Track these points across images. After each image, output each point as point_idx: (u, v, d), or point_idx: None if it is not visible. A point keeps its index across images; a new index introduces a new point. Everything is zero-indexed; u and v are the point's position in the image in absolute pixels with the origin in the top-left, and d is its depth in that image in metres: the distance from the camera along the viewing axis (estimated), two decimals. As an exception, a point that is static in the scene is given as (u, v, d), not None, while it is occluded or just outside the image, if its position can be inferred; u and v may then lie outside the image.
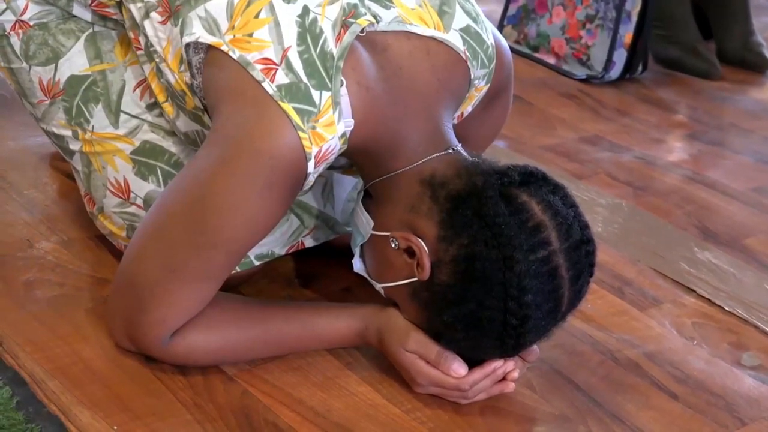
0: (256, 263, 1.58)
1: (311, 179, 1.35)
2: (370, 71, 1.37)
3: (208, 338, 1.41)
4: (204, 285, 1.38)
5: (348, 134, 1.35)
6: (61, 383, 1.39)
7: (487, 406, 1.43)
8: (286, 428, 1.36)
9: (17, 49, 1.59)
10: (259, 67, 1.32)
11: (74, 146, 1.60)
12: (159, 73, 1.46)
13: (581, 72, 2.82)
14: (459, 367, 1.38)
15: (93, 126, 1.58)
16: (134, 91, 1.56)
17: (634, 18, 2.76)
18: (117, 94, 1.57)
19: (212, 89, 1.37)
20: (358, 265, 1.47)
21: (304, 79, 1.32)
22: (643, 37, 2.78)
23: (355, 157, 1.44)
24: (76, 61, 1.58)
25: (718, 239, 1.98)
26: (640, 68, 2.83)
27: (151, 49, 1.45)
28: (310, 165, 1.32)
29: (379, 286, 1.44)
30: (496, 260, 1.29)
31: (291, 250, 1.63)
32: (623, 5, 2.74)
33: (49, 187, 1.90)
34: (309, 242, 1.64)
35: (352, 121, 1.35)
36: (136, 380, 1.41)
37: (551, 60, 2.90)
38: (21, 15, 1.58)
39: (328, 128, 1.32)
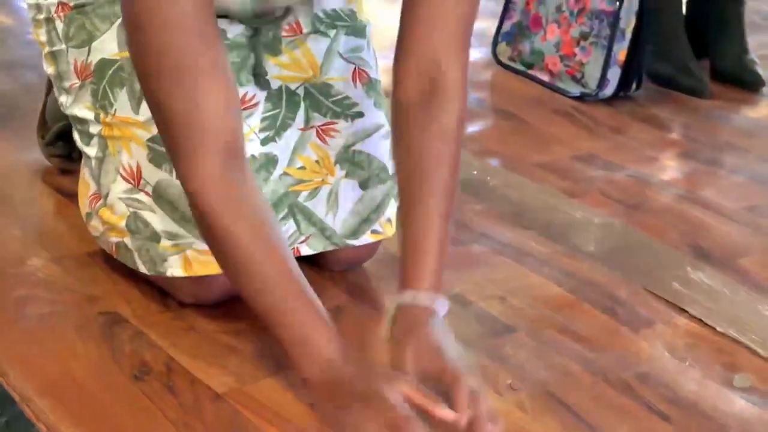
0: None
1: None
2: None
3: (236, 223, 1.33)
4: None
5: None
6: (50, 401, 1.39)
7: (478, 427, 1.43)
8: (276, 448, 1.36)
9: (60, 31, 1.62)
10: None
11: (94, 129, 1.61)
12: None
13: (575, 89, 2.82)
14: None
15: (115, 110, 1.58)
16: None
17: (629, 35, 2.77)
18: None
19: None
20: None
21: None
22: (638, 55, 2.78)
23: None
24: (107, 45, 1.59)
25: (711, 259, 1.98)
26: (634, 86, 2.83)
27: None
28: None
29: None
30: None
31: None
32: (617, 23, 2.75)
33: (43, 203, 1.90)
34: (305, 250, 1.64)
35: None
36: (125, 398, 1.41)
37: (545, 77, 2.90)
38: None
39: None
